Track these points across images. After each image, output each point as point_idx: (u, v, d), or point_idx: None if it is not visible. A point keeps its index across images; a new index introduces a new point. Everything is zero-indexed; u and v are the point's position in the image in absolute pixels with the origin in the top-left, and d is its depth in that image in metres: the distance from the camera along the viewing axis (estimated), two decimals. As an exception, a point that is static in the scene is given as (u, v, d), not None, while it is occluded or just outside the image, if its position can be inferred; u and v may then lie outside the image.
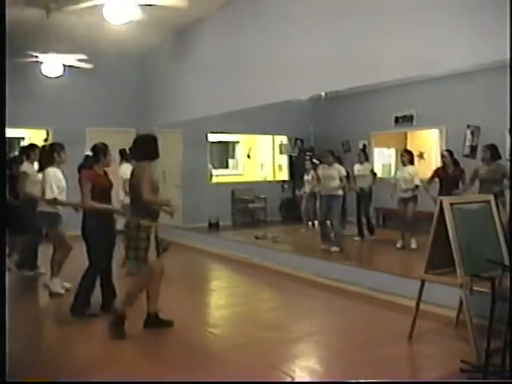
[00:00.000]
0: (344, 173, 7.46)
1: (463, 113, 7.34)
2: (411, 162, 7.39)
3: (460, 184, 6.44)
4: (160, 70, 10.20)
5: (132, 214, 4.23)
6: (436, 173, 6.93)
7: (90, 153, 4.97)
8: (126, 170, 6.46)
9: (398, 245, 7.28)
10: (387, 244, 7.57)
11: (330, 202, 7.38)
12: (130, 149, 4.44)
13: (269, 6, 7.16)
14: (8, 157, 8.05)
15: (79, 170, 5.06)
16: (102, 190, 4.84)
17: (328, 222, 7.55)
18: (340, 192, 7.40)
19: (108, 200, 4.89)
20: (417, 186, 7.19)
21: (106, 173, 5.01)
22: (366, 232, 8.21)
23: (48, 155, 5.68)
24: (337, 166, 7.48)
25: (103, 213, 4.80)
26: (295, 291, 5.93)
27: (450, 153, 6.87)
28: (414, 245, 7.09)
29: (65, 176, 5.62)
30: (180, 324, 4.45)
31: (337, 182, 7.39)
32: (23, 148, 7.00)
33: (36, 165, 6.56)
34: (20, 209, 6.35)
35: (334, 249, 7.19)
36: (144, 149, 4.30)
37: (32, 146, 6.89)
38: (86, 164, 4.94)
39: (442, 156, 6.95)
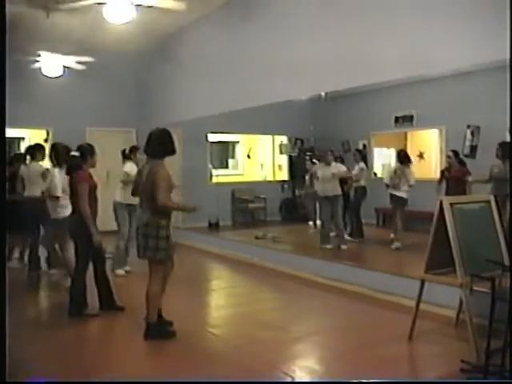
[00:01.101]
0: (344, 168, 7.49)
1: (463, 113, 7.36)
2: (401, 161, 7.38)
3: (466, 187, 6.42)
4: (160, 69, 10.19)
5: (150, 212, 4.07)
6: (443, 173, 6.94)
7: (75, 153, 4.94)
8: (130, 168, 6.50)
9: (393, 246, 7.31)
10: (386, 244, 7.55)
11: (331, 202, 7.38)
12: (146, 145, 4.27)
13: (269, 5, 7.16)
14: (13, 154, 8.06)
15: (68, 172, 5.00)
16: (94, 191, 4.87)
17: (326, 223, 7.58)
18: (338, 192, 7.40)
19: (95, 200, 4.89)
20: (387, 186, 7.28)
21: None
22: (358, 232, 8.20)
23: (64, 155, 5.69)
24: (334, 165, 7.47)
25: (92, 214, 4.78)
26: (295, 291, 5.93)
27: (455, 153, 6.88)
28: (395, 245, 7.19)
29: None
30: (180, 324, 4.44)
31: (335, 183, 7.39)
32: (30, 147, 6.97)
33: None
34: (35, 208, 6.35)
35: (329, 246, 7.28)
36: (160, 145, 4.18)
37: (38, 146, 6.90)
38: (74, 164, 4.89)
39: (448, 156, 6.96)
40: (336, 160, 7.86)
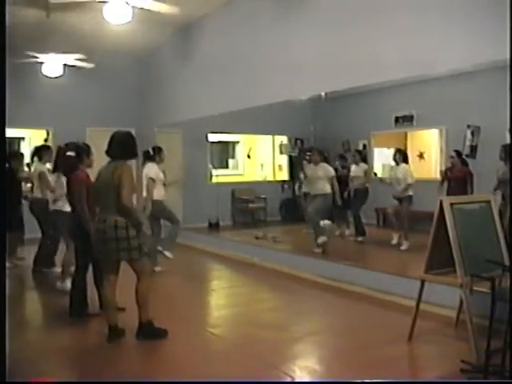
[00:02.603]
0: (332, 173, 7.31)
1: (463, 113, 7.35)
2: (404, 161, 7.32)
3: (468, 187, 6.40)
4: (160, 69, 10.20)
5: (117, 214, 3.99)
6: (445, 174, 6.94)
7: (71, 153, 4.90)
8: (151, 169, 6.47)
9: (394, 241, 7.28)
10: (386, 244, 7.54)
11: (317, 201, 7.25)
12: (108, 146, 4.19)
13: (268, 5, 7.16)
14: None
15: (65, 172, 4.97)
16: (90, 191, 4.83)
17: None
18: (327, 191, 7.22)
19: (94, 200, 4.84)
20: (409, 185, 7.14)
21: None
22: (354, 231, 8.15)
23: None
24: (323, 165, 7.34)
25: (91, 215, 4.72)
26: (295, 291, 5.92)
27: (458, 153, 6.89)
28: (404, 246, 7.06)
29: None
30: (180, 324, 4.44)
31: (323, 182, 7.21)
32: (37, 148, 6.98)
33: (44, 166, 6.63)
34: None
35: (316, 250, 6.98)
36: (123, 147, 4.14)
37: (45, 147, 6.91)
38: (71, 165, 4.87)
39: (451, 157, 6.98)
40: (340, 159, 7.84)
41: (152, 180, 6.38)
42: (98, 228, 4.11)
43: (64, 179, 5.54)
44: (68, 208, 5.50)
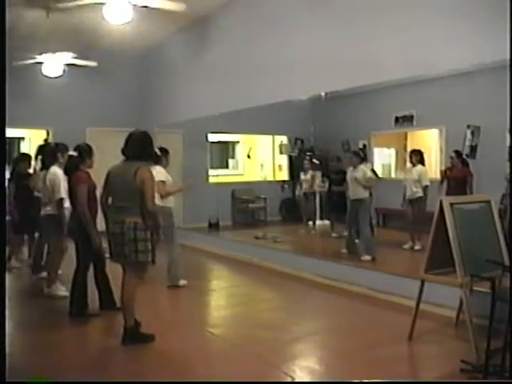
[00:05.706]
0: (369, 174, 7.20)
1: (463, 113, 7.35)
2: (421, 162, 7.19)
3: (468, 187, 6.37)
4: (160, 69, 10.19)
5: (137, 216, 3.93)
6: (445, 173, 6.92)
7: (73, 153, 4.89)
8: (159, 172, 6.19)
9: (406, 246, 7.17)
10: (387, 245, 7.54)
11: (356, 206, 7.10)
12: (125, 146, 4.07)
13: (268, 6, 7.16)
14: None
15: (66, 172, 4.97)
16: (93, 191, 4.83)
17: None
18: (365, 195, 7.08)
19: (95, 200, 4.77)
20: (426, 187, 7.03)
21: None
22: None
23: (51, 155, 5.68)
24: (362, 167, 7.17)
25: (92, 215, 4.74)
26: (295, 291, 5.93)
27: (458, 153, 6.87)
28: (418, 246, 6.97)
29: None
30: (180, 324, 4.44)
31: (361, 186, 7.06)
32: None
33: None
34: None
35: (365, 257, 6.68)
36: (142, 147, 4.05)
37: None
38: (72, 164, 4.86)
39: (451, 157, 6.97)
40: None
41: (163, 183, 5.68)
42: (114, 230, 3.99)
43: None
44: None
